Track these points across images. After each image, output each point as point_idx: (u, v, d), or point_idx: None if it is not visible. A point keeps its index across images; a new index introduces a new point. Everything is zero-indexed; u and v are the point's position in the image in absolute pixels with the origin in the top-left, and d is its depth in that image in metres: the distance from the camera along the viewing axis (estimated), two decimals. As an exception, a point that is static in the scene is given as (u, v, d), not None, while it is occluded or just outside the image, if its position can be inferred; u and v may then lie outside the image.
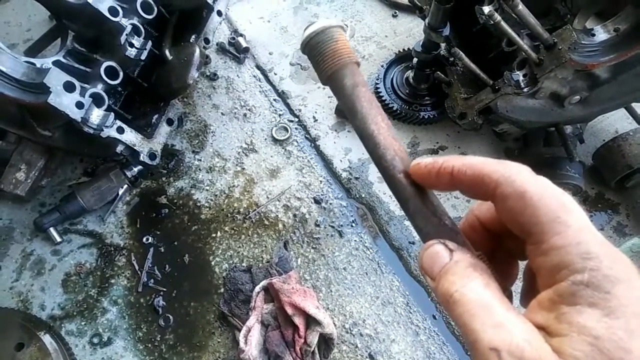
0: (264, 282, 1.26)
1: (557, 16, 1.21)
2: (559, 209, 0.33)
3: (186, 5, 1.43)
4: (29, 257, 1.38)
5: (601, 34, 1.14)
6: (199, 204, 1.47)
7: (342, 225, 1.43)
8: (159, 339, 1.27)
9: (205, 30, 1.45)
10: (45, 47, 1.51)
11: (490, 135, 1.59)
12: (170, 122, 1.42)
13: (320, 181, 1.51)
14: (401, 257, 1.40)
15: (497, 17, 1.03)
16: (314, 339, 1.16)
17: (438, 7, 1.24)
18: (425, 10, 1.37)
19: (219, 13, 1.49)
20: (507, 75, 1.16)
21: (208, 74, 1.71)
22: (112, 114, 1.18)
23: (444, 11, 1.25)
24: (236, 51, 1.75)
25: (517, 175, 0.35)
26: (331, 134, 1.61)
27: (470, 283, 0.34)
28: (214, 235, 1.42)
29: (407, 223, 1.42)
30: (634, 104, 1.39)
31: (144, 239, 1.40)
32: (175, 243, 1.41)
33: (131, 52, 1.25)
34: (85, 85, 1.16)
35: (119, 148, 1.26)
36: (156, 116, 1.40)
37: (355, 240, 1.41)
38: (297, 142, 1.59)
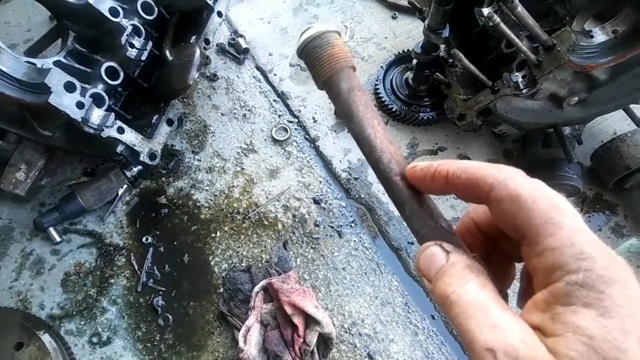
0: (263, 282, 1.27)
1: (556, 18, 1.21)
2: (552, 210, 0.33)
3: (186, 6, 1.44)
4: (29, 256, 1.38)
5: (600, 36, 1.14)
6: (198, 204, 1.48)
7: (341, 226, 1.44)
8: (158, 339, 1.27)
9: (205, 31, 1.46)
10: (46, 48, 1.51)
11: (489, 136, 1.59)
12: (170, 122, 1.43)
13: (320, 181, 1.52)
14: (400, 257, 1.40)
15: (497, 18, 1.04)
16: (313, 338, 1.17)
17: (437, 9, 1.25)
18: (425, 11, 1.37)
19: (219, 14, 1.49)
20: (506, 76, 1.17)
21: (208, 74, 1.72)
22: (113, 114, 1.19)
23: (443, 13, 1.25)
24: (236, 52, 1.76)
25: (511, 179, 0.35)
26: (331, 134, 1.62)
27: (466, 284, 0.35)
28: (213, 235, 1.42)
29: (406, 223, 1.42)
30: (632, 106, 1.39)
31: (144, 239, 1.40)
32: (175, 243, 1.41)
33: (132, 52, 1.25)
34: (86, 86, 1.16)
35: (119, 148, 1.26)
36: (156, 116, 1.40)
37: (354, 241, 1.41)
38: (296, 142, 1.59)
